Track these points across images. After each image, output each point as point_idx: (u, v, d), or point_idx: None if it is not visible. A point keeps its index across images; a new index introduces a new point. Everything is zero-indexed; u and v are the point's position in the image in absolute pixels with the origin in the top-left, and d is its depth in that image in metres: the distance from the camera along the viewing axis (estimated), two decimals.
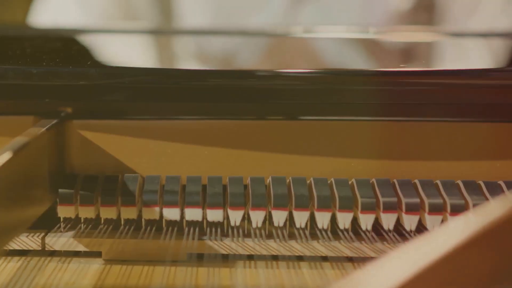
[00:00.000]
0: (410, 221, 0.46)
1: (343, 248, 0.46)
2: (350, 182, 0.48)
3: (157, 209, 0.46)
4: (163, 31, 0.82)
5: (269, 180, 0.48)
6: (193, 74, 0.50)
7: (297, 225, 0.46)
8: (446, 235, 0.30)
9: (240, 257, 0.46)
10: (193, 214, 0.46)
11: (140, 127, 0.49)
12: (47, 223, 0.48)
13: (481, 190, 0.47)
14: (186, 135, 0.49)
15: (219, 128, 0.49)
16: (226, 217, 0.47)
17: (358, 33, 0.77)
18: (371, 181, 0.48)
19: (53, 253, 0.47)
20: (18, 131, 0.46)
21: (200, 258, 0.46)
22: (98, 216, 0.47)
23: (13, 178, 0.41)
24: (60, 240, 0.46)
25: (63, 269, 0.45)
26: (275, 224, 0.46)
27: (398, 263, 0.29)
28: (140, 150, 0.49)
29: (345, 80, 0.49)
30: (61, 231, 0.47)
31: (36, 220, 0.45)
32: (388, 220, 0.46)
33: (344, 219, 0.46)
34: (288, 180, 0.48)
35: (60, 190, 0.47)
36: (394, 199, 0.46)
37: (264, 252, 0.46)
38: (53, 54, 0.57)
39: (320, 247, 0.46)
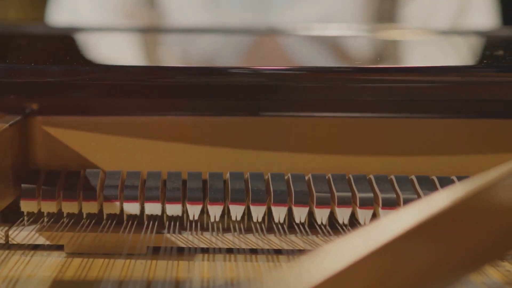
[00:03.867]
0: (364, 215, 0.47)
1: (298, 241, 0.47)
2: (306, 178, 0.49)
3: (117, 203, 0.47)
4: (143, 29, 0.82)
5: (227, 175, 0.49)
6: (150, 70, 0.51)
7: (254, 219, 0.47)
8: (390, 224, 0.31)
9: (197, 250, 0.47)
10: (152, 208, 0.47)
11: (102, 123, 0.50)
12: (10, 217, 0.49)
13: (434, 185, 0.49)
14: (146, 131, 0.50)
15: (179, 124, 0.50)
16: (185, 212, 0.48)
17: (338, 30, 0.78)
18: (327, 177, 0.49)
19: (16, 246, 0.48)
20: None
21: (159, 252, 0.47)
22: (60, 210, 0.48)
23: None
24: (22, 234, 0.47)
25: (26, 262, 0.46)
26: (233, 218, 0.47)
27: (340, 251, 0.30)
28: (102, 146, 0.50)
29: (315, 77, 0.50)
30: (24, 225, 0.48)
31: None
32: (342, 214, 0.47)
33: (299, 213, 0.47)
34: (246, 176, 0.49)
35: (22, 185, 0.48)
36: (349, 194, 0.47)
37: (221, 245, 0.47)
38: (17, 51, 0.58)
39: (275, 240, 0.47)
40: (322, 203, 0.47)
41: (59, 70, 0.49)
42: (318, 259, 0.30)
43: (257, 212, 0.47)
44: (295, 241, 0.47)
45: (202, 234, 0.47)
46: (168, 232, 0.47)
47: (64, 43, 0.65)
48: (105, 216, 0.48)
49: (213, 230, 0.48)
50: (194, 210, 0.47)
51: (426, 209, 0.31)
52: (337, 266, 0.29)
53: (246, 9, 0.96)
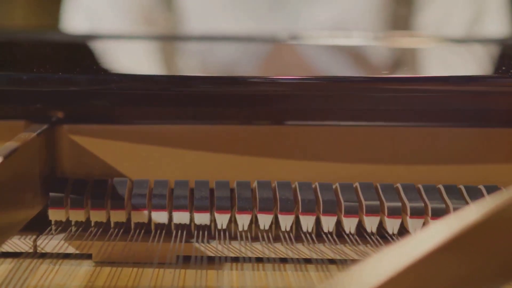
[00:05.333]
0: (392, 225, 0.47)
1: (327, 251, 0.47)
2: (334, 186, 0.49)
3: (145, 212, 0.47)
4: (164, 37, 0.82)
5: (255, 184, 0.49)
6: (178, 80, 0.51)
7: (282, 228, 0.47)
8: (424, 238, 0.31)
9: (226, 259, 0.47)
10: (180, 217, 0.47)
11: (128, 131, 0.50)
12: (38, 225, 0.49)
13: (462, 194, 0.49)
14: (173, 140, 0.50)
15: (206, 133, 0.50)
16: (213, 220, 0.48)
17: (348, 39, 0.78)
18: (354, 185, 0.49)
19: (44, 255, 0.48)
20: (9, 135, 0.48)
21: (187, 261, 0.47)
22: (88, 219, 0.48)
23: (4, 182, 0.42)
24: (51, 243, 0.47)
25: (54, 271, 0.46)
26: (261, 227, 0.47)
27: (378, 264, 0.30)
28: (128, 155, 0.50)
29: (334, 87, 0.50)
30: (52, 234, 0.48)
31: (28, 222, 0.47)
32: (370, 223, 0.47)
33: (328, 223, 0.47)
34: (273, 184, 0.49)
35: (51, 193, 0.48)
36: (377, 203, 0.47)
37: (250, 254, 0.47)
38: (43, 60, 0.58)
39: (304, 250, 0.47)
40: (350, 212, 0.47)
41: (86, 79, 0.49)
42: (356, 275, 0.30)
43: (285, 221, 0.47)
44: (324, 250, 0.47)
45: (230, 243, 0.47)
46: (197, 241, 0.47)
47: (90, 52, 0.65)
48: (132, 225, 0.48)
49: (241, 239, 0.48)
50: (222, 219, 0.47)
51: (458, 222, 0.31)
52: (373, 282, 0.29)
53: (265, 15, 0.96)
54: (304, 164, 0.51)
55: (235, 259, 0.47)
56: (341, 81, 0.51)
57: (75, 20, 0.98)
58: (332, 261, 0.47)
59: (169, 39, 0.78)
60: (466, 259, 0.32)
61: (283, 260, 0.47)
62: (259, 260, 0.47)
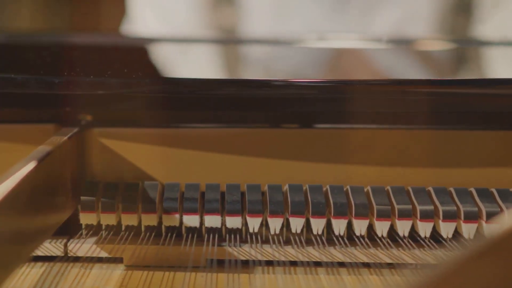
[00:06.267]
0: (424, 228, 0.47)
1: (359, 254, 0.47)
2: (365, 190, 0.49)
3: (177, 216, 0.47)
4: (193, 40, 0.82)
5: (286, 187, 0.49)
6: (205, 83, 0.51)
7: (314, 232, 0.47)
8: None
9: (258, 263, 0.47)
10: (212, 221, 0.47)
11: (159, 134, 0.50)
12: (69, 229, 0.49)
13: (494, 198, 0.48)
14: (204, 143, 0.50)
15: (237, 136, 0.50)
16: (245, 224, 0.48)
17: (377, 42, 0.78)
18: (386, 189, 0.49)
19: (75, 259, 0.48)
20: (39, 138, 0.48)
21: (219, 264, 0.47)
22: (119, 223, 0.48)
23: (38, 186, 0.42)
24: (82, 247, 0.47)
25: (86, 275, 0.46)
26: (293, 230, 0.47)
27: None
28: (158, 158, 0.50)
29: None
30: (83, 238, 0.48)
31: (58, 226, 0.46)
32: (403, 227, 0.47)
33: (360, 226, 0.47)
34: (305, 188, 0.49)
35: (82, 197, 0.47)
36: (409, 207, 0.47)
37: (282, 258, 0.47)
38: (73, 63, 0.58)
39: (336, 253, 0.47)
40: (382, 215, 0.47)
41: (116, 82, 0.49)
42: None
43: (317, 225, 0.47)
44: (357, 254, 0.47)
45: (262, 247, 0.47)
46: (229, 245, 0.47)
47: (118, 54, 0.65)
48: (163, 229, 0.48)
49: (273, 242, 0.47)
50: (254, 223, 0.47)
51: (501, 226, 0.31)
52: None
53: (316, 18, 0.96)
54: (335, 167, 0.50)
55: (268, 263, 0.47)
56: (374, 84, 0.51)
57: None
58: (364, 265, 0.47)
59: (197, 41, 0.78)
60: (504, 265, 0.31)
61: (316, 264, 0.47)
62: (291, 263, 0.47)
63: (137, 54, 0.67)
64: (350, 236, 0.48)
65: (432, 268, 0.30)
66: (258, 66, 0.67)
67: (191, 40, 0.78)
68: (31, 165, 0.41)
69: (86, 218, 0.48)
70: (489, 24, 0.97)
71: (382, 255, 0.47)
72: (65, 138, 0.47)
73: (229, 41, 0.83)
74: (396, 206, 0.47)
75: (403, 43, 0.78)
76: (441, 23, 0.97)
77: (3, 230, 0.37)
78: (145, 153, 0.50)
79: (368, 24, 0.96)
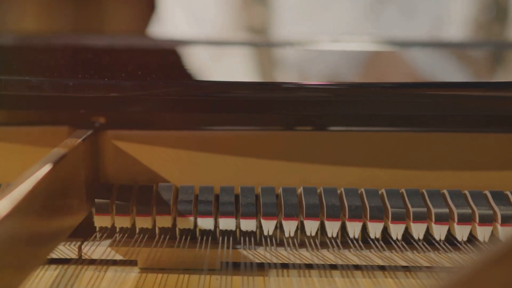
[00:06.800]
0: (439, 231, 0.47)
1: (374, 257, 0.47)
2: (380, 192, 0.49)
3: (191, 218, 0.47)
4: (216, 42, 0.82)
5: (300, 190, 0.49)
6: (220, 85, 0.51)
7: (329, 235, 0.47)
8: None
9: (273, 266, 0.47)
10: (226, 223, 0.47)
11: (172, 137, 0.50)
12: (83, 232, 0.49)
13: (508, 200, 0.48)
14: (218, 145, 0.50)
15: (251, 139, 0.50)
16: (259, 227, 0.47)
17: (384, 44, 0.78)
18: (400, 191, 0.49)
19: (90, 262, 0.48)
20: (53, 140, 0.48)
21: (234, 267, 0.47)
22: (133, 225, 0.48)
23: (53, 188, 0.42)
24: (97, 249, 0.47)
25: (100, 278, 0.46)
26: (307, 233, 0.47)
27: None
28: (172, 160, 0.50)
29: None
30: (97, 240, 0.48)
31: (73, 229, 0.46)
32: (418, 230, 0.47)
33: (375, 229, 0.47)
34: (319, 190, 0.49)
35: (96, 200, 0.47)
36: (424, 209, 0.47)
37: (297, 261, 0.47)
38: (87, 66, 0.58)
39: (351, 256, 0.47)
40: (397, 218, 0.47)
41: (131, 85, 0.48)
42: None
43: (332, 227, 0.47)
44: (372, 257, 0.47)
45: (276, 249, 0.47)
46: (243, 248, 0.47)
47: (133, 56, 0.65)
48: (178, 232, 0.48)
49: (287, 245, 0.47)
50: (268, 226, 0.47)
51: None
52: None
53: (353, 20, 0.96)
54: (349, 170, 0.50)
55: (282, 266, 0.47)
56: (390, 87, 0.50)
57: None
58: (380, 268, 0.47)
59: (215, 43, 0.78)
60: None
61: (331, 267, 0.47)
62: (306, 266, 0.47)
63: (151, 55, 0.67)
64: (365, 239, 0.48)
65: (448, 273, 0.29)
66: (284, 69, 0.67)
67: (214, 43, 0.78)
68: (46, 168, 0.41)
69: (100, 221, 0.48)
70: None
71: (397, 258, 0.47)
72: (80, 140, 0.47)
73: (243, 43, 0.82)
74: (411, 209, 0.47)
75: (431, 46, 0.78)
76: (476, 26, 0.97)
77: (20, 233, 0.37)
78: (159, 156, 0.50)
79: (398, 26, 0.96)
